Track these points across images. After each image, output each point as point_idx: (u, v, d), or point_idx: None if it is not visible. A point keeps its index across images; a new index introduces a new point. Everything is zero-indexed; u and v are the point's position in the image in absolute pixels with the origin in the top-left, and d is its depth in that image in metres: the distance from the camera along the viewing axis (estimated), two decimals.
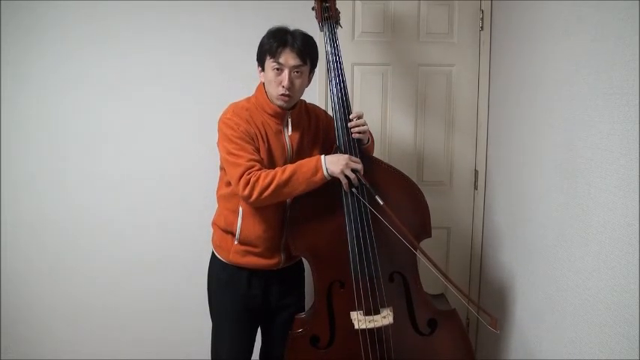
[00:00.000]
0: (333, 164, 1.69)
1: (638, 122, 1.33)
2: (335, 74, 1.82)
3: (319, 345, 1.83)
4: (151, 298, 2.45)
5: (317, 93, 2.37)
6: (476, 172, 2.47)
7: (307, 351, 1.82)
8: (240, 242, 1.83)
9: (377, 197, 1.68)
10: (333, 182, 1.73)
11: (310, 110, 1.95)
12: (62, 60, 2.29)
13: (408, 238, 1.68)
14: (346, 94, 1.81)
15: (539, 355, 1.88)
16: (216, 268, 1.92)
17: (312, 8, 1.95)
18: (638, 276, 1.33)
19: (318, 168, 1.69)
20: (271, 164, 1.79)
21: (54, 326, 2.43)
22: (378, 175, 1.80)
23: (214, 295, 1.95)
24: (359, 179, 1.71)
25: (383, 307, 1.79)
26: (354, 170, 1.70)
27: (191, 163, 2.38)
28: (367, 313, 1.78)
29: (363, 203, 1.74)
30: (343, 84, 1.81)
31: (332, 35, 1.85)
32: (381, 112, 2.41)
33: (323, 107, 2.35)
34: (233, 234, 1.84)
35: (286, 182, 1.68)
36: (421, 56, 2.39)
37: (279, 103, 1.78)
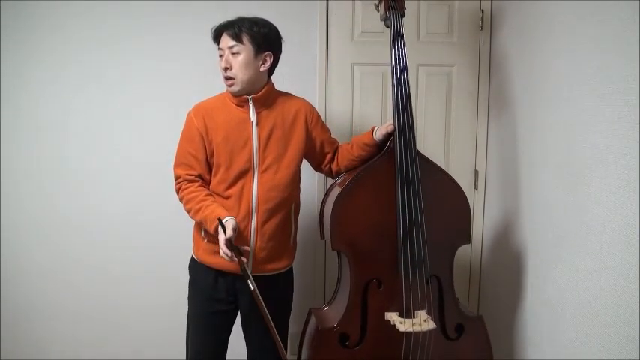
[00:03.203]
0: (221, 232, 1.62)
1: (638, 122, 1.33)
2: (398, 69, 1.76)
3: (348, 343, 1.77)
4: (153, 297, 2.44)
5: (317, 90, 2.37)
6: (476, 172, 2.47)
7: (335, 348, 1.76)
8: (208, 239, 1.78)
9: (249, 282, 1.61)
10: (384, 177, 1.73)
11: (286, 100, 1.84)
12: (63, 60, 2.29)
13: (273, 328, 1.62)
14: (408, 92, 1.76)
15: (539, 355, 1.88)
16: (190, 266, 1.91)
17: (375, 5, 1.91)
18: (638, 276, 1.33)
19: (215, 230, 1.66)
20: (229, 155, 1.75)
21: (54, 326, 2.43)
22: (426, 175, 1.76)
23: (189, 294, 1.91)
24: (238, 257, 1.62)
25: (417, 309, 1.76)
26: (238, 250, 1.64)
27: None
28: (402, 314, 1.75)
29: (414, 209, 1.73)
30: (406, 81, 1.76)
31: (398, 26, 1.77)
32: (381, 112, 2.41)
33: (324, 106, 2.38)
34: (200, 229, 1.81)
35: (198, 222, 1.78)
36: (421, 56, 2.39)
37: (229, 89, 1.77)
